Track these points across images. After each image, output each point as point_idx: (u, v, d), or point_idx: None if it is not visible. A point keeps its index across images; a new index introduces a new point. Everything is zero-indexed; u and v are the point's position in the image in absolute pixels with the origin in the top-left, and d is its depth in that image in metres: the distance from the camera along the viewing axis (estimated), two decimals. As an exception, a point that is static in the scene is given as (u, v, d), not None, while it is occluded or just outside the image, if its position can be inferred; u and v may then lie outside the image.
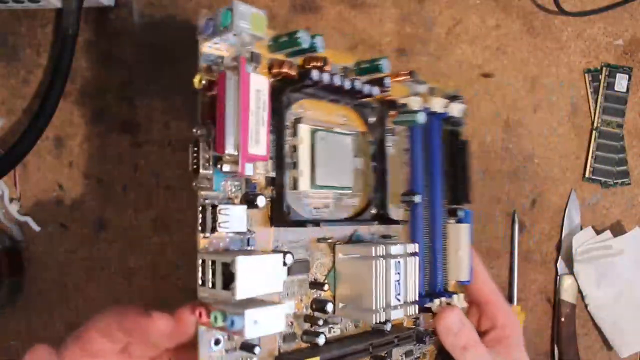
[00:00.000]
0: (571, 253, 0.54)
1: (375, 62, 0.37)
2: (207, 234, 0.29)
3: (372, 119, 0.39)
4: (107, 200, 0.54)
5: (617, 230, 0.54)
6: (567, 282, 0.54)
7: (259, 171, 0.32)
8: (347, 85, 0.34)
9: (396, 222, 0.39)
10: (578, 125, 0.54)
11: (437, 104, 0.42)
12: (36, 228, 0.54)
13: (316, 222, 0.33)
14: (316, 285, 0.34)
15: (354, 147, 0.38)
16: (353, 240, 0.37)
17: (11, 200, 0.55)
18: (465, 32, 0.54)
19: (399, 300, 0.35)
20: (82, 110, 0.54)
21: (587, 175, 0.54)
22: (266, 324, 0.28)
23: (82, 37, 0.54)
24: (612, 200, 0.55)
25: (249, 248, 0.31)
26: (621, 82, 0.53)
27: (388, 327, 0.37)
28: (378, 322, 0.34)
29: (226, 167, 0.30)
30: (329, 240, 0.36)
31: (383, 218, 0.39)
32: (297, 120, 0.34)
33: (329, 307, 0.34)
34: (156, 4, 0.54)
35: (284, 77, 0.33)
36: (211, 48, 0.30)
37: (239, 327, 0.27)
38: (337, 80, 0.33)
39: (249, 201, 0.31)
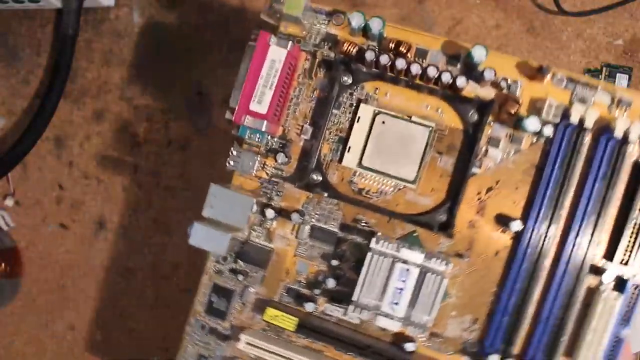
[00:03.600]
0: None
1: (469, 51, 0.33)
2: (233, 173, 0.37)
3: (473, 117, 0.34)
4: (107, 200, 0.54)
5: (617, 230, 0.54)
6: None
7: (304, 136, 0.36)
8: (414, 70, 0.33)
9: (451, 235, 0.34)
10: (578, 125, 0.54)
11: (590, 117, 0.32)
12: (11, 224, 0.54)
13: (331, 193, 0.35)
14: (327, 257, 0.36)
15: (432, 142, 0.35)
16: (405, 239, 0.35)
17: (5, 196, 0.55)
18: (465, 32, 0.53)
19: (392, 309, 0.33)
20: (82, 110, 0.54)
21: (587, 175, 0.54)
22: (209, 241, 0.34)
23: (82, 37, 0.54)
24: (612, 200, 0.55)
25: (274, 200, 0.36)
26: (621, 82, 0.53)
27: (410, 347, 0.34)
28: (354, 314, 0.34)
29: (248, 120, 0.34)
30: (365, 224, 0.35)
31: (446, 228, 0.34)
32: (361, 100, 0.35)
33: (330, 282, 0.35)
34: (156, 4, 0.54)
35: (347, 56, 0.35)
36: (286, 28, 0.36)
37: (189, 233, 0.34)
38: (400, 65, 0.33)
39: (271, 153, 0.36)
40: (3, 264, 0.53)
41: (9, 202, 0.54)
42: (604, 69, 0.53)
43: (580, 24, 0.54)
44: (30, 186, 0.55)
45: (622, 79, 0.53)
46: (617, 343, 0.32)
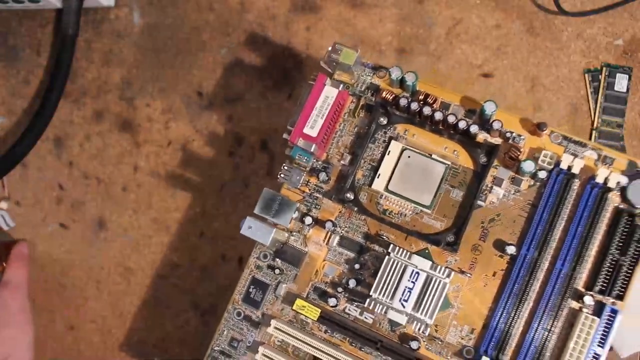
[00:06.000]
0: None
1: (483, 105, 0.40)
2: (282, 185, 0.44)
3: (482, 159, 0.41)
4: (107, 200, 0.54)
5: (617, 230, 0.54)
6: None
7: (343, 162, 0.43)
8: (437, 116, 0.41)
9: (455, 250, 0.40)
10: (578, 125, 0.54)
11: (576, 166, 0.39)
12: (11, 224, 0.54)
13: (359, 209, 0.42)
14: (351, 263, 0.42)
15: (447, 177, 0.42)
16: (418, 253, 0.40)
17: (0, 199, 0.55)
18: (465, 32, 0.54)
19: (403, 306, 0.39)
20: (82, 110, 0.55)
21: (587, 175, 0.54)
22: (256, 233, 0.41)
23: (82, 37, 0.54)
24: (612, 200, 0.55)
25: (313, 211, 0.43)
26: (621, 82, 0.53)
27: (414, 344, 0.40)
28: (370, 308, 0.40)
29: (300, 142, 0.42)
30: (385, 238, 0.42)
31: (451, 245, 0.40)
32: (393, 138, 0.43)
33: (351, 282, 0.41)
34: (156, 4, 0.54)
35: (385, 101, 0.43)
36: (339, 75, 0.44)
37: (241, 225, 0.41)
38: (426, 111, 0.41)
39: (315, 172, 0.43)
40: (1, 259, 0.53)
41: (4, 204, 0.54)
42: (604, 69, 0.53)
43: (580, 24, 0.54)
44: (30, 186, 0.55)
45: (622, 79, 0.53)
46: (595, 359, 0.37)
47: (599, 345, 0.37)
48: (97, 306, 0.54)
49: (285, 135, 0.42)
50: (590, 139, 0.54)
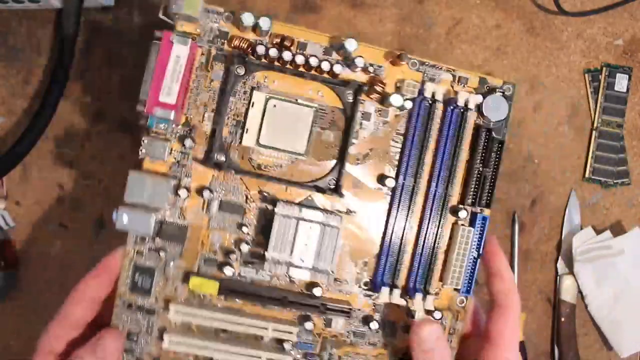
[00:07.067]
0: (571, 253, 0.54)
1: (343, 43, 0.40)
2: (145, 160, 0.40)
3: (349, 97, 0.41)
4: (107, 200, 0.54)
5: (617, 230, 0.54)
6: (567, 282, 0.54)
7: (206, 122, 0.41)
8: (299, 60, 0.40)
9: (341, 195, 0.41)
10: (578, 125, 0.54)
11: (439, 92, 0.41)
12: (11, 223, 0.54)
13: (234, 170, 0.40)
14: (236, 226, 0.41)
15: (317, 120, 0.41)
16: (304, 204, 0.41)
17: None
18: (465, 32, 0.54)
19: (302, 262, 0.39)
20: (82, 110, 0.54)
21: (587, 175, 0.54)
22: (135, 224, 0.38)
23: (82, 37, 0.54)
24: (612, 200, 0.55)
25: (184, 181, 0.41)
26: (621, 82, 0.53)
27: (317, 291, 0.40)
28: (271, 271, 0.40)
29: (158, 111, 0.38)
30: (266, 194, 0.41)
31: (336, 190, 0.41)
32: (254, 88, 0.41)
33: (244, 247, 0.40)
34: (156, 4, 0.54)
35: (239, 50, 0.40)
36: (182, 26, 0.41)
37: (114, 219, 0.38)
38: (286, 56, 0.39)
39: (179, 140, 0.40)
40: None
41: (1, 204, 0.54)
42: (604, 69, 0.53)
43: (580, 24, 0.54)
44: (30, 186, 0.55)
45: (622, 79, 0.53)
46: (474, 263, 0.42)
47: (476, 250, 0.42)
48: (97, 306, 0.54)
49: (139, 107, 0.39)
50: (590, 138, 0.54)
